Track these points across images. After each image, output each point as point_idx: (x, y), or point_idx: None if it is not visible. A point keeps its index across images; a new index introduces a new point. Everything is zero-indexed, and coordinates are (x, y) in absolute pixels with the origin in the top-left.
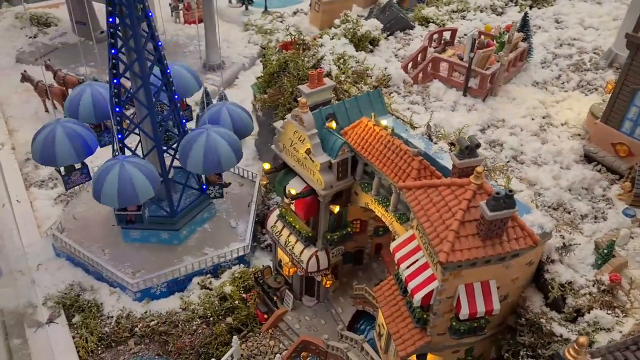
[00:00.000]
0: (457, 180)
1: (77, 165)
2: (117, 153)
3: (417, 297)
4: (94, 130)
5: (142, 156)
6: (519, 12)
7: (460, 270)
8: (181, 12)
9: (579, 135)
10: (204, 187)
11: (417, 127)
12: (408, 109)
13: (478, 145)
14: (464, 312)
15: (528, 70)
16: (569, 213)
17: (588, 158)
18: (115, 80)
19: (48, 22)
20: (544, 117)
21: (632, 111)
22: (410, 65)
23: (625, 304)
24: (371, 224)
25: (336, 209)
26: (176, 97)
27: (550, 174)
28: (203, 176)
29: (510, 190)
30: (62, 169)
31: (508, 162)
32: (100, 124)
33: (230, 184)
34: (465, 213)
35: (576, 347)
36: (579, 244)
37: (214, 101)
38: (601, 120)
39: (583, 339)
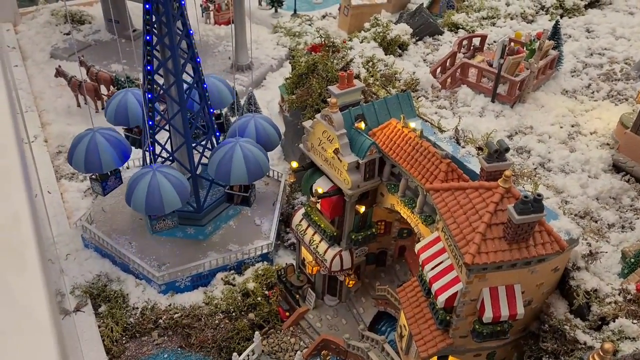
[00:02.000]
0: (485, 184)
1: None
2: (148, 157)
3: (441, 299)
4: (129, 133)
5: (171, 151)
6: (550, 20)
7: (485, 273)
8: (212, 12)
9: (608, 144)
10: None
11: (445, 131)
12: (436, 113)
13: (507, 149)
14: (488, 315)
15: (557, 78)
16: (596, 222)
17: (617, 168)
18: (149, 76)
19: (82, 20)
20: (572, 126)
21: None
22: (439, 70)
23: None
24: (395, 226)
25: (362, 209)
26: (205, 85)
27: (578, 182)
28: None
29: (539, 195)
30: (97, 175)
31: (535, 168)
32: (134, 128)
33: (252, 187)
34: (493, 216)
35: (601, 353)
36: (605, 252)
37: (242, 101)
38: (631, 130)
39: (608, 345)
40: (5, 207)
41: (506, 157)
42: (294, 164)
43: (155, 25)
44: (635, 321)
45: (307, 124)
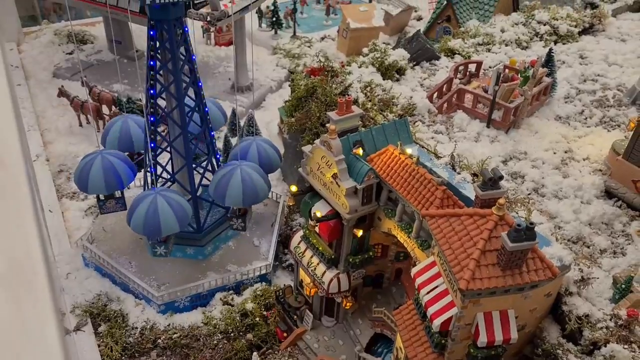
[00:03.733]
0: (480, 211)
1: (117, 194)
2: (150, 179)
3: (437, 323)
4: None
5: (172, 172)
6: (544, 47)
7: (479, 298)
8: (212, 34)
9: (600, 170)
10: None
11: (441, 157)
12: (432, 137)
13: (501, 178)
14: (482, 340)
15: (551, 104)
16: (589, 247)
17: (609, 194)
18: (152, 100)
19: (85, 40)
20: (566, 152)
21: None
22: (435, 95)
23: None
24: (392, 249)
25: (359, 233)
26: (206, 109)
27: (571, 207)
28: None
29: (532, 223)
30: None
31: (529, 194)
32: (135, 154)
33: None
34: (487, 243)
35: None
36: (597, 278)
37: (242, 122)
38: (623, 157)
39: None
40: (19, 241)
41: (500, 185)
42: (294, 188)
43: (159, 51)
44: (626, 346)
45: (307, 148)
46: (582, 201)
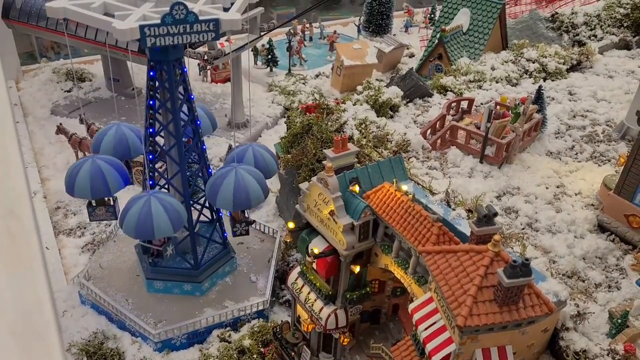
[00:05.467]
0: (475, 247)
1: (110, 202)
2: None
3: (435, 359)
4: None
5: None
6: (533, 83)
7: (477, 334)
8: (209, 71)
9: (593, 205)
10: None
11: (436, 193)
12: (427, 174)
13: (495, 214)
14: None
15: (542, 140)
16: (583, 281)
17: (602, 228)
18: (151, 138)
19: (83, 77)
20: (558, 187)
21: None
22: (429, 131)
23: None
24: (389, 285)
25: (357, 269)
26: (204, 147)
27: (565, 242)
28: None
29: (527, 259)
30: (93, 201)
31: (523, 229)
32: (126, 161)
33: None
34: (483, 279)
35: None
36: (593, 313)
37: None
38: (614, 192)
39: None
40: (30, 293)
41: (495, 222)
42: (291, 225)
43: (158, 90)
44: None
45: (304, 186)
46: (575, 236)
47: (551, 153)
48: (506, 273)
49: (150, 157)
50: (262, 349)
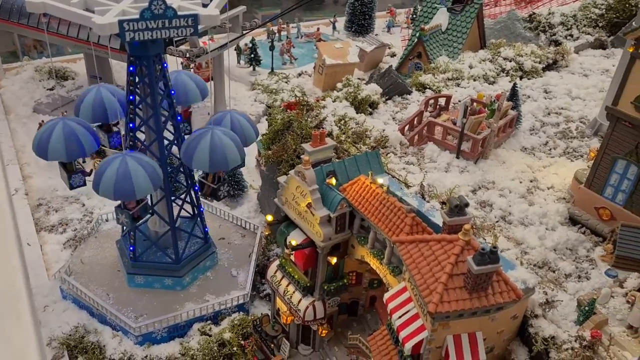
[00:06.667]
0: (447, 236)
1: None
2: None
3: (408, 346)
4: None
5: (151, 204)
6: (510, 82)
7: (448, 321)
8: (192, 70)
9: (564, 198)
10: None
11: (411, 186)
12: (404, 168)
13: (466, 205)
14: None
15: (517, 136)
16: (554, 272)
17: (573, 220)
18: (131, 133)
19: (66, 76)
20: (531, 181)
21: (613, 178)
22: (407, 127)
23: (604, 359)
24: (366, 277)
25: (333, 260)
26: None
27: (537, 234)
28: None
29: (495, 247)
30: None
31: (497, 222)
32: (107, 124)
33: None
34: (454, 267)
35: None
36: (562, 301)
37: None
38: (585, 186)
39: None
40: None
41: (466, 212)
42: (269, 217)
43: (138, 86)
44: None
45: (282, 179)
46: (547, 228)
47: (526, 149)
48: (475, 260)
49: (131, 152)
50: (242, 342)
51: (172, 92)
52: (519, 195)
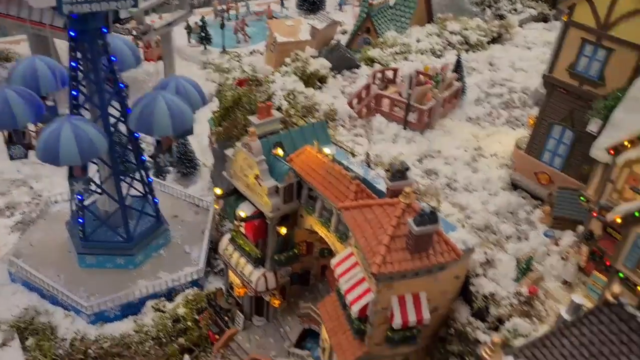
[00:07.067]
0: (389, 200)
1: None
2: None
3: (355, 309)
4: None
5: (99, 183)
6: (456, 55)
7: (392, 282)
8: (141, 50)
9: (507, 165)
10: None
11: (357, 156)
12: (352, 140)
13: (407, 169)
14: (397, 322)
15: (463, 107)
16: (495, 234)
17: (514, 186)
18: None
19: (9, 57)
20: (475, 149)
21: (551, 143)
22: (355, 101)
23: (541, 312)
24: (317, 246)
25: (283, 230)
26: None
27: (480, 199)
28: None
29: (434, 208)
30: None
31: (443, 189)
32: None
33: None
34: (396, 229)
35: (491, 347)
36: (501, 260)
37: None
38: (525, 152)
39: (497, 339)
40: None
41: (408, 176)
42: (218, 191)
43: (80, 62)
44: (527, 320)
45: (230, 152)
46: (490, 193)
47: (471, 119)
48: (415, 221)
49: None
50: (196, 317)
51: (113, 58)
52: (463, 163)
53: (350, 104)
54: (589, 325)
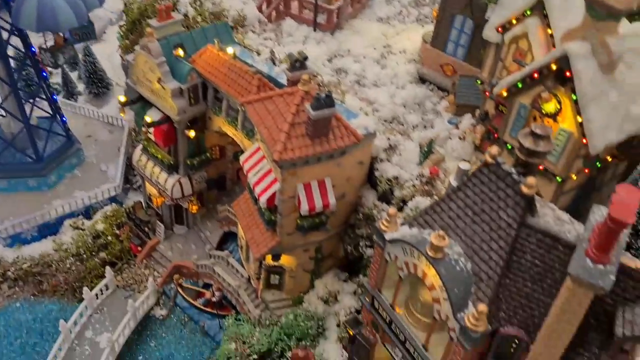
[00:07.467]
0: (288, 89)
1: None
2: None
3: (263, 199)
4: None
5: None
6: None
7: (295, 169)
8: None
9: (415, 60)
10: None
11: (260, 54)
12: (261, 44)
13: (305, 58)
14: (304, 208)
15: (373, 7)
16: (402, 125)
17: (422, 79)
18: None
19: None
20: (385, 47)
21: (453, 34)
22: (264, 5)
23: (441, 190)
24: (230, 150)
25: (191, 133)
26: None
27: (388, 93)
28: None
29: (329, 91)
30: None
31: (352, 85)
32: None
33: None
34: (295, 116)
35: (387, 218)
36: (406, 147)
37: (81, 55)
38: (430, 45)
39: (392, 211)
40: None
41: (307, 66)
42: (122, 98)
43: None
44: (429, 198)
45: (130, 57)
46: (397, 87)
47: (381, 19)
48: (312, 106)
49: None
50: (116, 231)
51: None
52: (372, 61)
53: (259, 9)
54: (472, 187)
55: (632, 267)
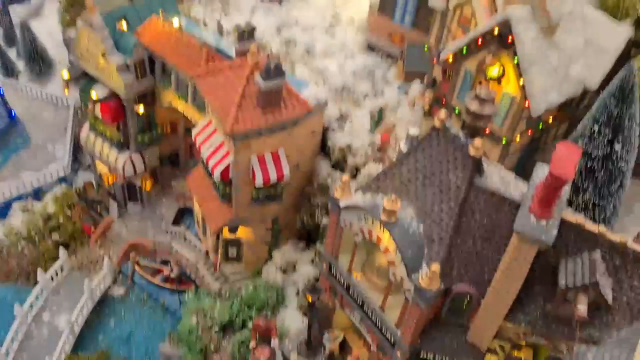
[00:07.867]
0: (237, 61)
1: None
2: None
3: (217, 172)
4: None
5: None
6: None
7: (248, 140)
8: None
9: (364, 29)
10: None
11: (206, 25)
12: (207, 16)
13: (253, 29)
14: (259, 180)
15: None
16: (353, 94)
17: (371, 48)
18: None
19: None
20: (333, 17)
21: (400, 1)
22: None
23: (393, 157)
24: (181, 125)
25: (140, 108)
26: None
27: (337, 63)
28: None
29: (278, 62)
30: None
31: (302, 56)
32: None
33: None
34: (246, 87)
35: (341, 185)
36: (357, 115)
37: (18, 34)
38: (378, 12)
39: (345, 178)
40: None
41: (255, 37)
42: (65, 74)
43: None
44: (381, 164)
45: (72, 33)
46: (347, 56)
47: None
48: (262, 76)
49: None
50: (68, 213)
51: None
52: (322, 30)
53: None
54: (422, 152)
55: (573, 222)
